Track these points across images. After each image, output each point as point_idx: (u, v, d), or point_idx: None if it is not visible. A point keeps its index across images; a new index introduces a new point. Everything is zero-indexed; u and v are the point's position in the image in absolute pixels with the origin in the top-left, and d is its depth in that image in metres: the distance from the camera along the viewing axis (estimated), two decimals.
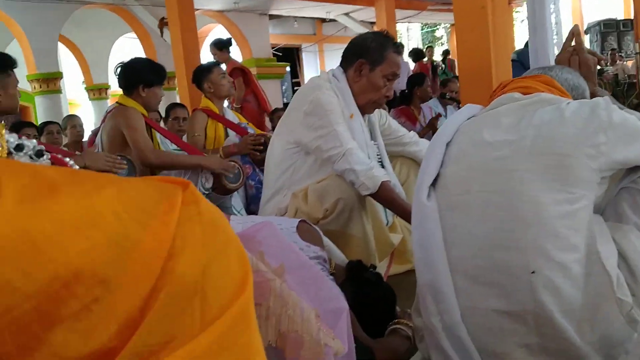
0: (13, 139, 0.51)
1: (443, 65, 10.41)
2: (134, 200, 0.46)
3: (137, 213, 0.45)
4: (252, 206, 3.74)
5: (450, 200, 1.27)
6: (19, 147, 0.50)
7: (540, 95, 1.28)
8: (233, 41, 9.55)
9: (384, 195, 1.97)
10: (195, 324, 0.45)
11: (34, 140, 0.53)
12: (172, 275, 0.44)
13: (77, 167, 0.51)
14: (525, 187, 1.13)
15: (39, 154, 0.52)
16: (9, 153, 0.49)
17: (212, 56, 5.98)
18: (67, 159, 0.52)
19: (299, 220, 1.77)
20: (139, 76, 2.96)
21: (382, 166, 2.30)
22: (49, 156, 0.53)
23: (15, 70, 2.49)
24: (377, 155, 2.30)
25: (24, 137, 0.53)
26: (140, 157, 2.76)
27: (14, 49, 8.90)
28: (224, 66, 4.93)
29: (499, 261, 1.15)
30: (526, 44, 4.46)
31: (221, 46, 5.93)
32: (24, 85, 7.95)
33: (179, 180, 0.51)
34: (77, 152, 3.53)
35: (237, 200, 3.47)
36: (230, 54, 5.95)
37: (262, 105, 5.20)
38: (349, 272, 1.68)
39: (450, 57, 10.74)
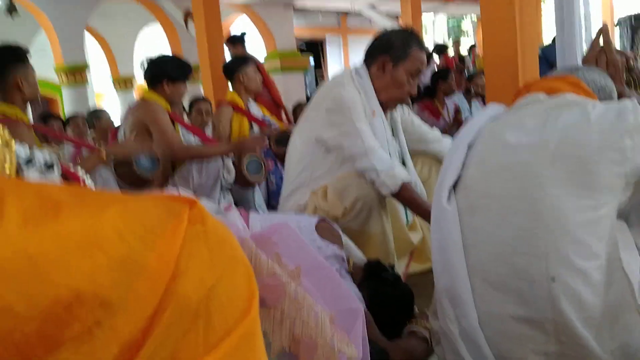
0: (24, 153, 0.51)
1: (469, 60, 10.26)
2: (138, 219, 0.46)
3: (141, 233, 0.45)
4: (272, 201, 3.75)
5: (470, 203, 1.25)
6: (29, 161, 0.50)
7: (566, 96, 1.25)
8: (258, 33, 9.59)
9: (405, 196, 1.96)
10: (199, 346, 0.44)
11: (45, 151, 0.53)
12: (176, 296, 0.44)
13: (89, 180, 0.50)
14: (547, 192, 1.11)
15: (48, 166, 0.51)
16: (19, 166, 0.49)
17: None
18: (80, 172, 0.52)
19: (319, 218, 1.77)
20: (164, 71, 2.99)
21: (404, 163, 2.28)
22: (60, 168, 0.52)
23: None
24: (399, 152, 2.28)
25: (35, 149, 0.52)
26: (168, 151, 2.78)
27: (41, 40, 9.06)
28: None
29: (518, 267, 1.13)
30: (553, 40, 4.37)
31: (234, 41, 5.92)
32: (51, 76, 8.09)
33: (186, 198, 0.51)
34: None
35: (258, 195, 3.49)
36: (245, 48, 5.93)
37: (275, 98, 5.20)
38: (367, 272, 1.67)
39: (475, 50, 10.58)
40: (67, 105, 8.22)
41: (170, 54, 3.28)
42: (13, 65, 2.40)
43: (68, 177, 0.53)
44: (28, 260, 0.39)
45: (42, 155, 0.51)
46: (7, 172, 0.48)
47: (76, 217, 0.43)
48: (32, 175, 0.49)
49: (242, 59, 3.99)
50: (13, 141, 0.50)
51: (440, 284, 1.26)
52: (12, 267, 0.38)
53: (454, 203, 1.27)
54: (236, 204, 3.34)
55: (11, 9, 6.78)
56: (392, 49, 2.13)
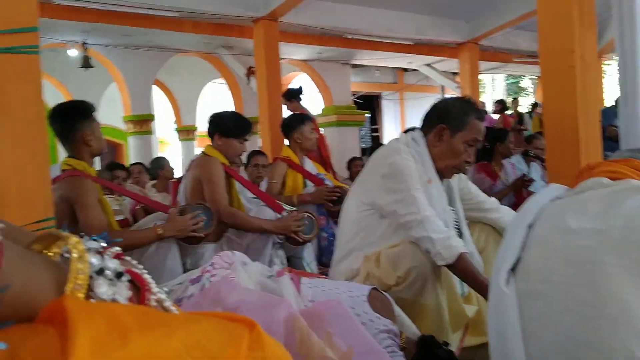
0: (96, 260, 0.53)
1: (528, 119, 10.08)
2: (201, 346, 0.46)
3: None
4: (323, 258, 3.74)
5: (530, 288, 1.20)
6: (101, 271, 0.52)
7: (631, 182, 1.21)
8: (315, 88, 9.83)
9: (461, 267, 1.90)
10: None
11: (116, 261, 0.55)
12: None
13: (155, 287, 0.52)
14: (611, 282, 1.06)
15: (119, 276, 0.53)
16: (91, 277, 0.51)
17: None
18: (146, 277, 0.53)
19: (371, 287, 1.75)
20: (218, 125, 3.10)
21: (460, 232, 2.23)
22: (128, 277, 0.54)
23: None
24: (455, 221, 2.24)
25: (107, 258, 0.54)
26: (215, 210, 2.84)
27: (112, 91, 9.60)
28: None
29: (581, 359, 1.07)
30: (616, 101, 4.26)
31: (289, 97, 6.02)
32: (119, 124, 8.51)
33: (246, 320, 0.51)
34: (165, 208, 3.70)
35: (309, 252, 3.48)
36: (301, 102, 6.03)
37: (324, 157, 5.26)
38: (421, 348, 1.62)
39: (538, 110, 10.38)
40: (132, 152, 8.60)
41: (233, 111, 3.37)
42: (80, 121, 2.54)
43: (136, 283, 0.55)
44: None
45: (112, 264, 0.53)
46: (80, 283, 0.50)
47: (142, 346, 0.44)
48: (102, 287, 0.51)
49: (299, 118, 4.07)
50: (87, 254, 0.52)
51: None
52: None
53: (513, 286, 1.23)
54: (287, 260, 3.34)
55: (86, 63, 7.23)
56: (450, 118, 2.12)
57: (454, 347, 1.97)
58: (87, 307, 0.46)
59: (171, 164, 5.80)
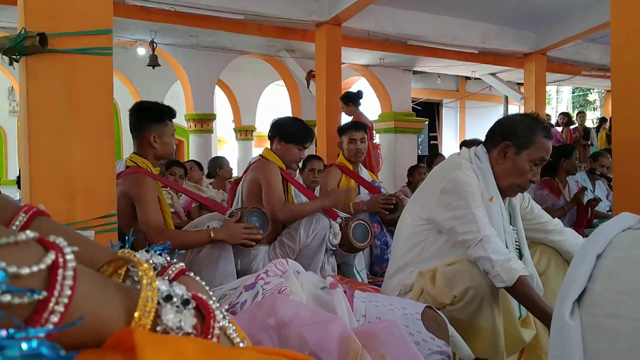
0: (165, 287, 0.53)
1: (594, 134, 9.67)
2: None
3: None
4: (375, 267, 3.70)
5: (595, 321, 1.14)
6: (168, 297, 0.52)
7: None
8: (373, 93, 9.78)
9: (521, 291, 1.83)
10: None
11: (183, 287, 0.55)
12: None
13: (220, 314, 0.51)
14: None
15: (185, 303, 0.53)
16: (158, 303, 0.51)
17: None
18: (209, 302, 0.53)
19: (425, 305, 1.71)
20: (280, 129, 3.14)
21: (520, 253, 2.15)
22: (194, 304, 0.54)
23: (175, 107, 2.74)
24: (516, 241, 2.15)
25: (174, 284, 0.55)
26: (270, 212, 2.86)
27: (176, 89, 9.87)
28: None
29: None
30: None
31: (347, 100, 5.91)
32: (181, 122, 8.75)
33: (306, 359, 0.50)
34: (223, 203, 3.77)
35: (360, 260, 3.45)
36: (359, 107, 5.94)
37: (368, 163, 5.20)
38: None
39: (605, 125, 9.96)
40: (192, 149, 8.81)
41: (296, 118, 3.40)
42: (150, 122, 2.61)
43: (201, 310, 0.55)
44: None
45: (180, 290, 0.53)
46: (148, 310, 0.50)
47: None
48: (169, 314, 0.51)
49: (341, 128, 4.07)
50: (156, 281, 0.52)
51: None
52: None
53: (578, 319, 1.17)
54: (338, 266, 3.33)
55: (153, 62, 7.46)
56: (516, 136, 2.05)
57: None
58: (155, 339, 0.46)
59: (230, 167, 5.91)
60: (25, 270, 0.42)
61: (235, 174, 9.87)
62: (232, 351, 0.51)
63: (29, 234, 0.44)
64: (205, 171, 6.04)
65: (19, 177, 4.68)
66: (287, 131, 3.12)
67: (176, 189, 3.24)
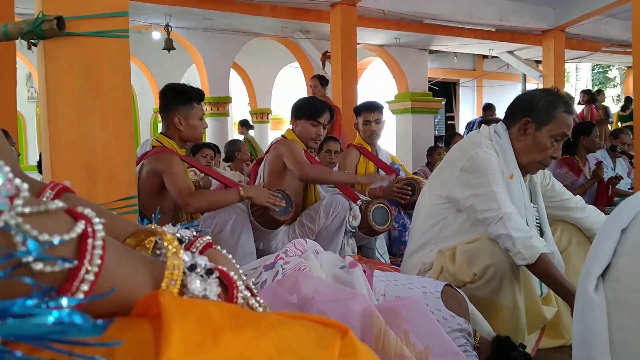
0: (188, 257, 0.54)
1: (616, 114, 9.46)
2: (292, 350, 0.46)
3: None
4: (393, 248, 3.70)
5: (621, 296, 1.13)
6: (192, 267, 0.53)
7: None
8: (389, 74, 9.71)
9: (542, 269, 1.81)
10: None
11: (205, 258, 0.55)
12: None
13: (242, 285, 0.52)
14: None
15: (209, 273, 0.54)
16: (184, 273, 0.52)
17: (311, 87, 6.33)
18: (231, 273, 0.54)
19: (444, 283, 1.71)
20: (293, 109, 3.17)
21: (541, 231, 2.13)
22: (217, 274, 0.55)
23: (203, 92, 2.72)
24: (536, 219, 2.13)
25: (197, 255, 0.55)
26: (299, 170, 2.87)
27: (191, 73, 9.88)
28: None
29: None
30: None
31: (324, 82, 6.26)
32: None
33: (339, 325, 0.50)
34: (240, 182, 3.78)
35: (381, 243, 3.45)
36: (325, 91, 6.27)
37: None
38: (495, 349, 1.57)
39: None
40: (208, 132, 8.82)
41: (310, 96, 3.39)
42: (176, 104, 2.61)
43: (224, 281, 0.55)
44: None
45: (202, 261, 0.53)
46: (175, 278, 0.50)
47: (233, 347, 0.44)
48: (195, 283, 0.51)
49: (354, 108, 4.04)
50: (181, 250, 0.53)
51: None
52: None
53: (602, 294, 1.15)
54: (359, 248, 3.33)
55: (169, 45, 7.46)
56: (536, 111, 2.01)
57: (529, 348, 1.90)
58: (181, 303, 0.47)
59: (246, 149, 5.93)
60: (57, 239, 0.42)
61: None
62: (257, 315, 0.51)
63: (59, 203, 0.45)
64: (223, 155, 6.05)
65: (39, 162, 4.73)
66: (300, 108, 3.12)
67: (202, 169, 3.25)
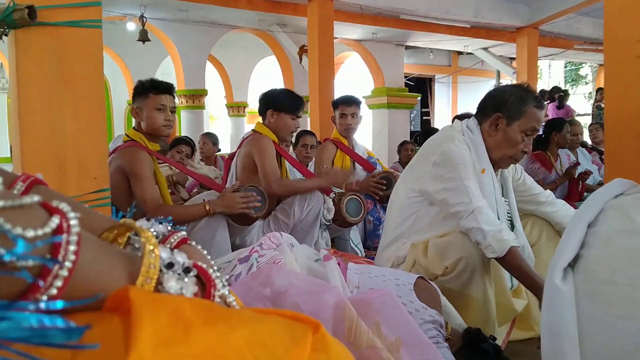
0: (166, 254, 0.54)
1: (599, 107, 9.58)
2: (264, 345, 0.46)
3: None
4: (368, 241, 3.73)
5: (591, 287, 1.15)
6: (170, 265, 0.53)
7: None
8: (366, 69, 9.73)
9: (511, 262, 1.85)
10: None
11: (184, 255, 0.55)
12: None
13: (220, 283, 0.52)
14: None
15: (186, 271, 0.54)
16: (160, 270, 0.52)
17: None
18: (210, 270, 0.54)
19: (417, 276, 1.73)
20: (271, 101, 3.10)
21: (512, 225, 2.18)
22: (195, 272, 0.55)
23: (161, 83, 2.66)
24: (507, 213, 2.17)
25: (175, 252, 0.55)
26: (266, 186, 2.86)
27: (166, 65, 9.77)
28: None
29: None
30: None
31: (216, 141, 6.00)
32: None
33: (311, 321, 0.50)
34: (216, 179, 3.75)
35: (355, 234, 3.48)
36: None
37: None
38: (466, 340, 1.60)
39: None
40: (183, 126, 8.75)
41: (286, 88, 3.35)
42: (135, 96, 2.59)
43: (202, 279, 0.55)
44: None
45: (181, 258, 0.53)
46: (151, 276, 0.50)
47: (204, 342, 0.44)
48: (171, 281, 0.51)
49: (343, 99, 4.03)
50: (158, 248, 0.53)
51: None
52: None
53: (571, 284, 1.18)
54: (332, 240, 3.35)
55: (143, 37, 7.36)
56: (507, 107, 2.05)
57: (499, 340, 1.94)
58: (151, 298, 0.47)
59: (218, 142, 5.90)
60: (30, 234, 0.42)
61: (228, 150, 9.84)
62: (229, 310, 0.51)
63: (34, 197, 0.44)
64: (198, 148, 6.01)
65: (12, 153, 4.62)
66: (280, 101, 3.08)
67: (175, 166, 3.20)
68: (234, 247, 2.71)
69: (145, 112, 2.56)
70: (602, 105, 9.19)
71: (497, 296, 1.98)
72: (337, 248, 3.31)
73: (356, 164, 3.92)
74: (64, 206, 0.46)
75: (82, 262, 0.45)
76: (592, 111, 9.90)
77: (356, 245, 3.44)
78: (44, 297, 0.42)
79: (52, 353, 0.40)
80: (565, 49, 10.23)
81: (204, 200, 2.60)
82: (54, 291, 0.42)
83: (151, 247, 0.52)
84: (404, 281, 1.65)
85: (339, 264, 1.66)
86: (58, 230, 0.44)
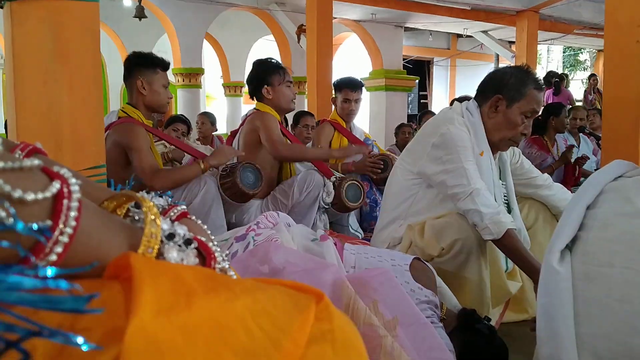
0: (167, 225, 0.53)
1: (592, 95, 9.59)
2: (267, 313, 0.46)
3: (269, 329, 0.44)
4: (364, 223, 3.73)
5: (588, 269, 1.15)
6: (171, 236, 0.52)
7: None
8: (364, 51, 9.66)
9: (508, 244, 1.85)
10: None
11: (184, 227, 0.54)
12: None
13: (220, 256, 0.52)
14: None
15: (187, 243, 0.53)
16: (162, 241, 0.51)
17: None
18: (210, 244, 0.53)
19: (413, 257, 1.73)
20: (261, 79, 3.06)
21: (509, 207, 2.18)
22: (196, 244, 0.54)
23: (168, 62, 2.68)
24: (505, 195, 2.17)
25: (176, 224, 0.54)
26: (273, 149, 2.87)
27: (163, 43, 9.67)
28: None
29: (636, 348, 1.03)
30: None
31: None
32: (169, 75, 8.61)
33: (314, 291, 0.50)
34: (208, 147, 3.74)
35: (353, 219, 3.48)
36: None
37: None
38: (461, 321, 1.61)
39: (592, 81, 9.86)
40: (180, 105, 8.70)
41: (262, 61, 3.25)
42: (139, 68, 2.56)
43: (202, 251, 0.54)
44: (156, 351, 0.39)
45: (181, 230, 0.52)
46: (152, 246, 0.50)
47: (206, 309, 0.43)
48: (172, 252, 0.50)
49: (348, 83, 4.00)
50: (160, 218, 0.52)
51: (543, 352, 1.17)
52: (140, 357, 0.39)
53: (568, 265, 1.18)
54: (330, 224, 3.35)
55: (140, 13, 7.27)
56: (507, 89, 2.04)
57: (493, 321, 1.95)
58: (152, 265, 0.46)
59: (215, 121, 5.87)
60: (31, 197, 0.41)
61: (224, 130, 9.79)
62: (232, 279, 0.51)
63: (35, 161, 0.43)
64: (194, 127, 5.97)
65: (6, 129, 4.60)
66: (268, 74, 3.05)
67: (171, 142, 3.18)
68: (230, 226, 2.71)
69: (154, 86, 2.58)
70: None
71: (492, 278, 1.99)
72: (334, 231, 3.31)
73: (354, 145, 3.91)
74: (65, 172, 0.45)
75: (82, 229, 0.44)
76: (584, 96, 9.90)
77: (356, 230, 3.45)
78: (43, 263, 0.41)
79: (52, 318, 0.39)
80: (565, 34, 10.19)
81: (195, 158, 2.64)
82: (53, 257, 0.42)
83: (153, 217, 0.52)
84: (400, 262, 1.65)
85: (335, 245, 1.66)
86: (59, 195, 0.43)
